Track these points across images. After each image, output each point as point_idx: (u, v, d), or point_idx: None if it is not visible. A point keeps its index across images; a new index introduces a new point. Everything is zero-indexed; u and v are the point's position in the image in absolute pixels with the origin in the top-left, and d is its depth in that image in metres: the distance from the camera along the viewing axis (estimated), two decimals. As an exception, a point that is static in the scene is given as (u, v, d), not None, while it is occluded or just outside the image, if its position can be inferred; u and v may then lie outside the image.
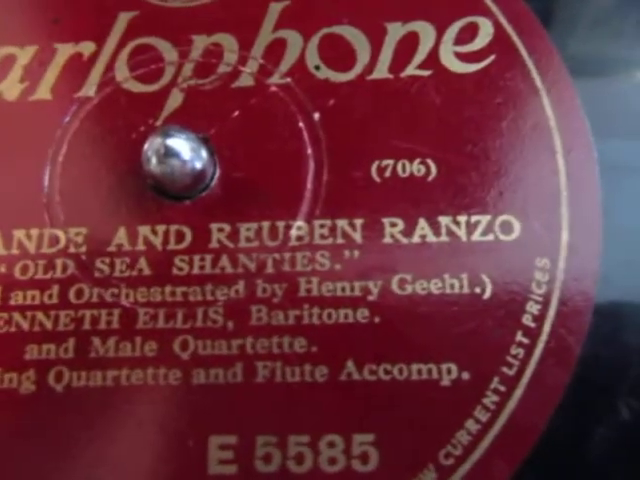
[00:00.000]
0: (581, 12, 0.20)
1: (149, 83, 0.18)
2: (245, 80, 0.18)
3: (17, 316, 0.16)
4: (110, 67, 0.18)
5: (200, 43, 0.19)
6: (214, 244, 0.16)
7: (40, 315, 0.16)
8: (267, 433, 0.15)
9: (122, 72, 0.18)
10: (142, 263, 0.16)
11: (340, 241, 0.16)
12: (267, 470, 0.15)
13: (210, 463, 0.15)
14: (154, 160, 0.16)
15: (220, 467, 0.15)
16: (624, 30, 0.19)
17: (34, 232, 0.17)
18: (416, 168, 0.17)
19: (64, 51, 0.19)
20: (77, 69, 0.18)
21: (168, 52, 0.19)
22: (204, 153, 0.16)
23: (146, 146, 0.16)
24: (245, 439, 0.15)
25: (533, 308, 0.15)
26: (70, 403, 0.15)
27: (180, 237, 0.16)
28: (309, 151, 0.17)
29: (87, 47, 0.19)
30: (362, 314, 0.16)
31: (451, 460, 0.15)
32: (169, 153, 0.16)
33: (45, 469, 0.15)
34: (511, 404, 0.15)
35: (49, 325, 0.16)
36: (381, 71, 0.18)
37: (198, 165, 0.16)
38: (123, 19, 0.19)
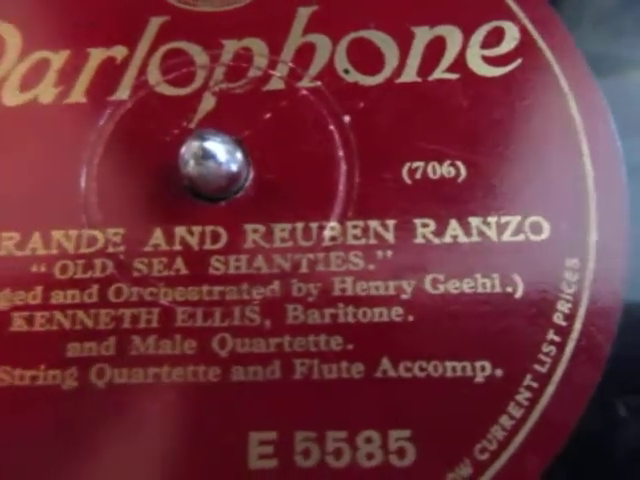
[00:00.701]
0: (604, 13, 0.20)
1: (181, 86, 0.19)
2: (275, 84, 0.18)
3: (58, 315, 0.16)
4: (142, 71, 0.19)
5: (230, 47, 0.19)
6: (249, 244, 0.17)
7: (81, 314, 0.16)
8: (306, 429, 0.15)
9: (154, 76, 0.19)
10: (179, 263, 0.17)
11: (373, 241, 0.17)
12: (306, 465, 0.15)
13: (250, 458, 0.15)
14: (191, 163, 0.16)
15: (260, 462, 0.15)
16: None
17: (72, 233, 0.17)
18: (446, 170, 0.17)
19: (97, 55, 0.19)
20: (110, 73, 0.19)
21: (199, 56, 0.19)
22: (239, 155, 0.17)
23: (183, 149, 0.16)
24: (284, 435, 0.15)
25: (564, 307, 0.16)
26: (112, 399, 0.16)
27: (216, 237, 0.17)
28: (340, 153, 0.18)
29: (119, 51, 0.19)
30: (396, 313, 0.16)
31: (486, 455, 0.15)
32: (206, 156, 0.16)
33: (88, 462, 0.15)
34: (543, 400, 0.15)
35: (90, 323, 0.16)
36: (409, 74, 0.18)
37: (233, 167, 0.17)
38: (154, 24, 0.19)
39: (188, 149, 0.16)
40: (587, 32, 0.20)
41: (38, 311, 0.16)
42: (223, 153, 0.16)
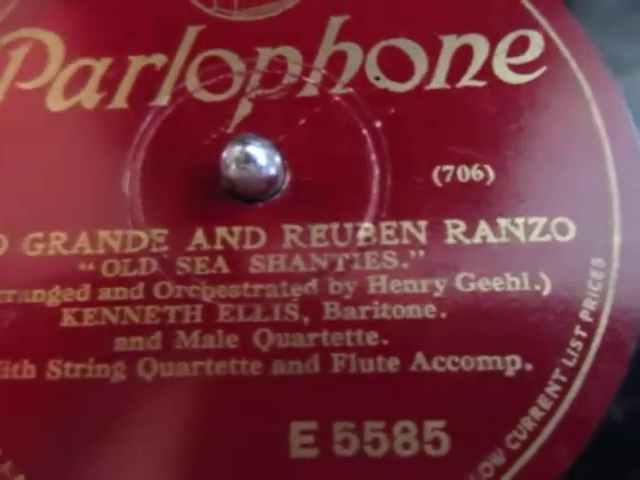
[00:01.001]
0: (622, 16, 0.21)
1: (219, 93, 0.19)
2: (309, 90, 0.19)
3: (106, 311, 0.17)
4: (181, 78, 0.20)
5: (265, 55, 0.20)
6: (287, 244, 0.18)
7: (127, 310, 0.17)
8: (344, 419, 0.16)
9: (193, 82, 0.20)
10: (220, 262, 0.18)
11: (406, 242, 0.17)
12: (345, 454, 0.16)
13: (292, 447, 0.16)
14: (233, 166, 0.17)
15: (302, 451, 0.16)
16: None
17: (118, 233, 0.18)
18: (475, 173, 0.18)
19: (137, 62, 0.20)
20: (150, 80, 0.20)
21: (235, 63, 0.20)
22: (277, 159, 0.18)
23: (225, 153, 0.17)
24: (324, 425, 0.16)
25: (590, 304, 0.17)
26: (159, 392, 0.16)
27: (255, 237, 0.18)
28: (373, 157, 0.18)
29: (159, 59, 0.20)
30: (429, 310, 0.17)
31: (517, 444, 0.16)
32: (248, 159, 0.17)
33: (137, 453, 0.16)
34: (572, 394, 0.16)
35: (136, 319, 0.17)
36: (438, 81, 0.19)
37: (272, 171, 0.18)
38: (192, 32, 0.20)
39: (230, 153, 0.17)
40: (606, 34, 0.21)
41: (86, 307, 0.17)
42: (263, 157, 0.17)
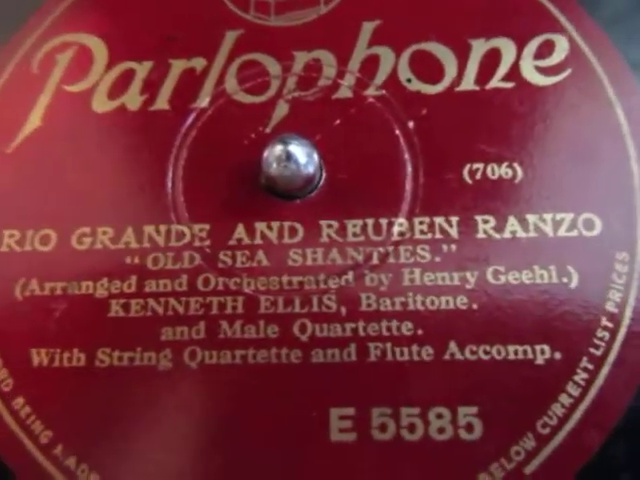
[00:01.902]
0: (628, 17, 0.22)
1: (257, 95, 0.20)
2: (344, 92, 0.20)
3: (152, 302, 0.18)
4: (221, 80, 0.21)
5: (301, 58, 0.21)
6: (324, 238, 0.18)
7: (172, 301, 0.18)
8: (381, 405, 0.17)
9: (232, 85, 0.20)
10: (260, 255, 0.18)
11: (438, 236, 0.18)
12: (383, 438, 0.17)
13: (332, 431, 0.17)
14: (274, 164, 0.18)
15: (341, 435, 0.17)
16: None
17: (162, 228, 0.19)
18: (504, 171, 0.19)
19: (178, 66, 0.21)
20: (191, 82, 0.21)
21: (272, 67, 0.21)
22: (316, 157, 0.19)
23: (266, 152, 0.18)
24: (362, 410, 0.17)
25: (615, 296, 0.17)
26: (204, 379, 0.17)
27: (293, 232, 0.19)
28: (406, 156, 0.19)
29: (199, 62, 0.21)
30: (461, 301, 0.18)
31: (547, 429, 0.16)
32: (288, 158, 0.18)
33: (183, 437, 0.17)
34: (599, 381, 0.17)
35: (181, 310, 0.18)
36: (468, 83, 0.20)
37: (311, 169, 0.18)
38: (230, 37, 0.21)
39: (271, 152, 0.18)
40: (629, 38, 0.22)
41: (133, 299, 0.18)
42: (303, 156, 0.18)
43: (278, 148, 0.18)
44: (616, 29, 0.21)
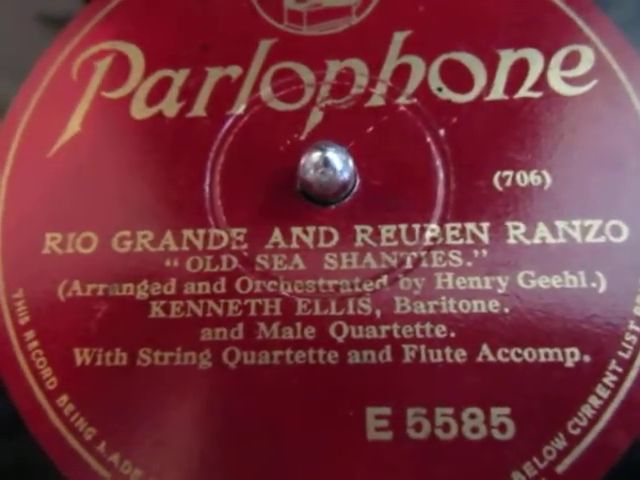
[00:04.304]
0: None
1: (291, 102, 0.21)
2: (376, 100, 0.21)
3: (191, 304, 0.19)
4: (256, 88, 0.21)
5: (333, 67, 0.21)
6: (359, 243, 0.19)
7: (211, 303, 0.19)
8: (416, 405, 0.17)
9: (267, 93, 0.21)
10: (297, 259, 0.19)
11: (470, 242, 0.19)
12: (418, 437, 0.17)
13: (368, 430, 0.17)
14: (312, 171, 0.19)
15: (377, 434, 0.17)
16: None
17: (200, 232, 0.19)
18: (533, 178, 0.19)
19: (214, 74, 0.21)
20: (227, 90, 0.21)
21: (306, 75, 0.21)
22: (351, 164, 0.19)
23: (304, 158, 0.19)
24: (397, 410, 0.17)
25: (643, 301, 0.18)
26: (243, 378, 0.18)
27: (329, 237, 0.19)
28: (437, 163, 0.20)
29: (234, 70, 0.21)
30: (493, 305, 0.18)
31: (578, 430, 0.17)
32: (326, 164, 0.18)
33: (222, 435, 0.18)
34: (627, 383, 0.17)
35: (220, 311, 0.19)
36: (497, 93, 0.21)
37: (346, 175, 0.19)
38: (264, 46, 0.22)
39: (309, 158, 0.19)
40: None
41: (173, 300, 0.19)
42: (339, 162, 0.19)
43: (316, 155, 0.18)
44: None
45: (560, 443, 0.17)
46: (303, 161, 0.18)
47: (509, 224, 0.19)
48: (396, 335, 0.18)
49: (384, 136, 0.20)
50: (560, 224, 0.19)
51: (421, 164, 0.20)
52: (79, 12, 0.23)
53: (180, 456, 0.17)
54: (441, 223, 0.19)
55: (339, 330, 0.18)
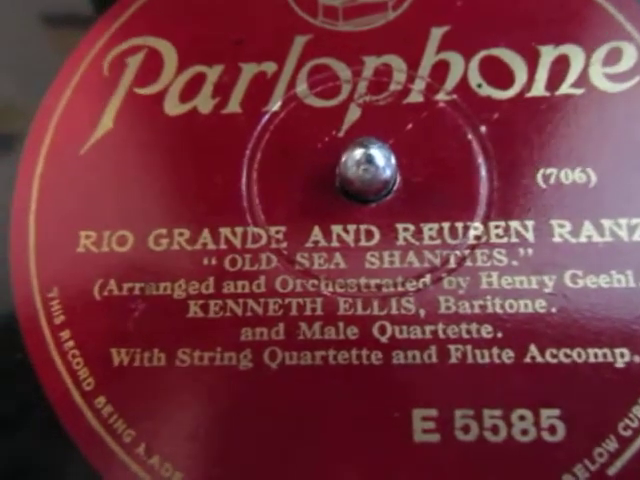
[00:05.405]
0: None
1: (328, 99, 0.21)
2: (415, 97, 0.20)
3: (230, 303, 0.18)
4: (291, 85, 0.21)
5: (370, 63, 0.21)
6: (401, 242, 0.19)
7: (251, 302, 0.18)
8: (464, 407, 0.17)
9: (303, 89, 0.21)
10: (337, 258, 0.19)
11: (514, 240, 0.18)
12: (466, 439, 0.17)
13: (415, 432, 0.17)
14: (354, 168, 0.18)
15: (424, 436, 0.17)
16: None
17: (238, 230, 0.19)
18: (577, 176, 0.19)
19: (249, 70, 0.21)
20: (262, 86, 0.21)
21: (342, 71, 0.21)
22: (393, 161, 0.19)
23: (345, 155, 0.18)
24: (444, 412, 0.17)
25: (693, 299, 0.18)
26: (285, 379, 0.17)
27: (370, 235, 0.19)
28: (479, 160, 0.19)
29: (269, 66, 0.21)
30: (540, 304, 0.18)
31: (629, 431, 0.17)
32: (370, 161, 0.18)
33: (265, 436, 0.17)
34: (679, 384, 0.17)
35: (260, 311, 0.18)
36: (538, 89, 0.20)
37: (388, 172, 0.19)
38: (299, 42, 0.21)
39: (351, 155, 0.18)
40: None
41: (212, 299, 0.18)
42: (382, 159, 0.18)
43: (358, 151, 0.18)
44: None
45: (611, 445, 0.16)
46: (344, 158, 0.18)
47: (554, 222, 0.18)
48: (441, 335, 0.17)
49: (424, 133, 0.20)
50: (606, 222, 0.18)
51: (462, 161, 0.19)
52: (109, 8, 0.22)
53: (222, 459, 0.17)
54: (485, 221, 0.18)
55: (382, 330, 0.18)
